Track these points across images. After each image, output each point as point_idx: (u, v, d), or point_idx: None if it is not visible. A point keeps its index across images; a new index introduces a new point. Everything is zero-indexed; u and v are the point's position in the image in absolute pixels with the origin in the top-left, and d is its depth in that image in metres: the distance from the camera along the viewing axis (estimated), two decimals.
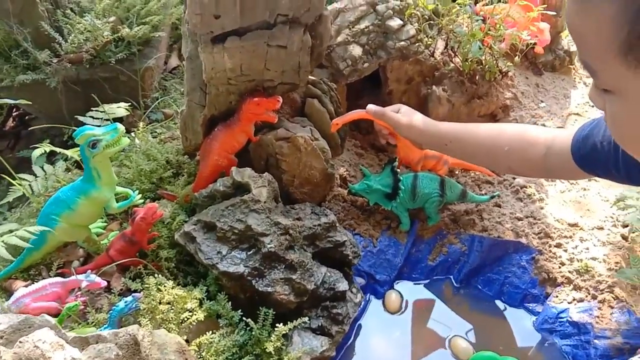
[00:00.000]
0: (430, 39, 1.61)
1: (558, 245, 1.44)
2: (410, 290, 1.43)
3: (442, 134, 1.22)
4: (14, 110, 2.53)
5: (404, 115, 1.27)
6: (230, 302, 1.16)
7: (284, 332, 1.10)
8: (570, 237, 1.46)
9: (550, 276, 1.39)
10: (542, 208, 1.52)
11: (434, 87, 1.68)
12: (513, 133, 1.12)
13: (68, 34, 1.87)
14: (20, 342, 0.65)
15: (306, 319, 1.15)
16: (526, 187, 1.57)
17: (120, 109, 1.62)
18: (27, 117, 2.52)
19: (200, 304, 1.14)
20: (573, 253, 1.42)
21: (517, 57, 1.59)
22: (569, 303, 1.33)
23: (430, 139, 1.24)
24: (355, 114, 1.40)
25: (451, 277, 1.46)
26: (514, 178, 1.60)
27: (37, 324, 0.72)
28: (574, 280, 1.36)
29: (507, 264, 1.43)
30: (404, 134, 1.28)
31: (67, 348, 0.64)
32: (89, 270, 1.17)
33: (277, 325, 1.10)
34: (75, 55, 1.84)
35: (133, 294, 1.08)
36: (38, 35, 1.83)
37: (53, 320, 0.73)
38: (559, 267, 1.40)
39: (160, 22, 2.01)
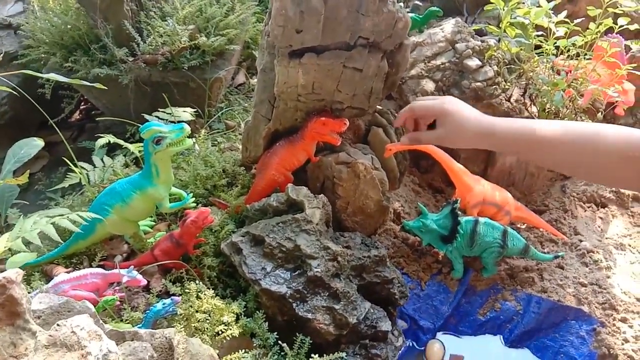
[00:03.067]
0: (508, 84, 1.55)
1: (623, 320, 1.32)
2: (455, 344, 1.33)
3: (505, 142, 0.96)
4: (82, 103, 2.62)
5: (448, 130, 1.01)
6: (267, 323, 1.10)
7: None
8: (638, 313, 1.33)
9: (612, 352, 1.27)
10: (608, 277, 1.41)
11: None
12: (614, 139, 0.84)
13: (147, 36, 1.92)
14: (57, 324, 0.62)
15: (343, 354, 1.08)
16: (593, 252, 1.46)
17: (186, 113, 1.64)
18: (93, 112, 2.61)
19: (237, 320, 1.09)
20: (639, 331, 1.29)
21: (599, 114, 1.50)
22: None
23: (496, 145, 1.00)
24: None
25: (501, 336, 1.35)
26: (581, 241, 1.49)
27: (78, 309, 0.69)
28: None
29: (565, 331, 1.32)
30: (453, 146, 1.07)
31: (104, 339, 0.60)
32: (132, 266, 1.15)
33: (312, 355, 1.03)
34: (151, 56, 1.88)
35: (172, 297, 1.04)
36: (119, 33, 1.89)
37: (93, 308, 0.70)
38: (622, 344, 1.28)
39: (236, 36, 2.04)
